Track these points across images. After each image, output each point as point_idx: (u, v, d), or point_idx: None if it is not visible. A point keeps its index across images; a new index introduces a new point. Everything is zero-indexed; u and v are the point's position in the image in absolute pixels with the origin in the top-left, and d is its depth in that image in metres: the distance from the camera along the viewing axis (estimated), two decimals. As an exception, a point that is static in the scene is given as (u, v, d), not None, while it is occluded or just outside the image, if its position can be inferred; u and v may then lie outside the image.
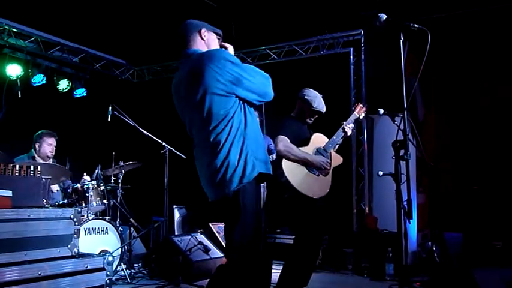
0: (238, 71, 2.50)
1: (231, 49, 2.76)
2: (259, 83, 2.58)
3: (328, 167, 3.87)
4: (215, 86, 2.45)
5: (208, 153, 2.51)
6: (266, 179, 2.61)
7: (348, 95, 6.60)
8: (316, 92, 4.00)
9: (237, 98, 2.52)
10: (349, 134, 4.06)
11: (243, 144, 2.48)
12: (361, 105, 4.29)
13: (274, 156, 5.52)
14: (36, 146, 5.23)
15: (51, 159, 5.28)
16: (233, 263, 2.52)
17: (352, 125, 4.12)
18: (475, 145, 6.18)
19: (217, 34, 2.81)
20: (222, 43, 2.82)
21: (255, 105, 2.65)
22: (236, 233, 2.48)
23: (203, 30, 2.72)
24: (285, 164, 3.69)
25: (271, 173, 2.62)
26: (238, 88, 2.50)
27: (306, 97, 3.94)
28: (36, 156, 5.20)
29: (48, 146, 5.22)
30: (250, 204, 2.49)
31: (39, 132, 5.30)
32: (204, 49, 2.68)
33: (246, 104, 2.59)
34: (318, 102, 3.95)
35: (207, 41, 2.73)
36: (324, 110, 3.99)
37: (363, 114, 4.33)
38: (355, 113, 4.23)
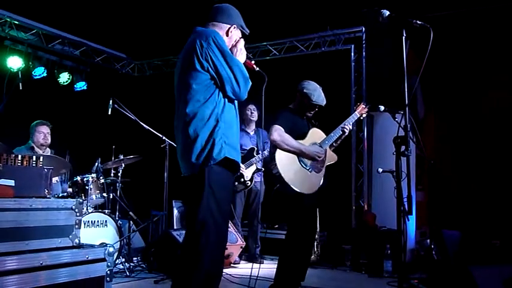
0: (220, 57, 2.56)
1: (241, 42, 2.83)
2: (233, 79, 2.59)
3: (322, 158, 3.82)
4: (195, 60, 2.53)
5: (182, 127, 2.58)
6: (236, 168, 2.63)
7: (348, 92, 6.61)
8: (316, 84, 3.90)
9: (214, 81, 2.57)
10: (346, 133, 4.01)
11: (215, 126, 2.53)
12: (363, 105, 4.22)
13: (266, 152, 5.52)
14: (31, 136, 5.34)
15: (48, 149, 5.36)
16: (190, 243, 2.51)
17: (351, 126, 4.06)
18: (474, 143, 6.19)
19: (243, 33, 2.88)
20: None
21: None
22: (199, 214, 2.46)
23: (233, 27, 2.80)
24: (278, 156, 3.62)
25: (239, 161, 2.65)
26: (212, 71, 2.55)
27: (305, 90, 3.84)
28: (34, 146, 5.29)
29: (40, 133, 5.31)
30: (217, 188, 2.50)
31: (32, 123, 5.39)
32: None
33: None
34: (318, 95, 3.85)
35: (229, 37, 2.79)
36: (323, 103, 3.89)
37: (365, 115, 4.28)
38: (356, 112, 4.17)
